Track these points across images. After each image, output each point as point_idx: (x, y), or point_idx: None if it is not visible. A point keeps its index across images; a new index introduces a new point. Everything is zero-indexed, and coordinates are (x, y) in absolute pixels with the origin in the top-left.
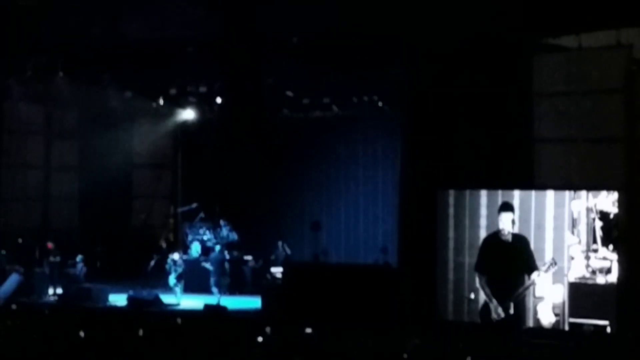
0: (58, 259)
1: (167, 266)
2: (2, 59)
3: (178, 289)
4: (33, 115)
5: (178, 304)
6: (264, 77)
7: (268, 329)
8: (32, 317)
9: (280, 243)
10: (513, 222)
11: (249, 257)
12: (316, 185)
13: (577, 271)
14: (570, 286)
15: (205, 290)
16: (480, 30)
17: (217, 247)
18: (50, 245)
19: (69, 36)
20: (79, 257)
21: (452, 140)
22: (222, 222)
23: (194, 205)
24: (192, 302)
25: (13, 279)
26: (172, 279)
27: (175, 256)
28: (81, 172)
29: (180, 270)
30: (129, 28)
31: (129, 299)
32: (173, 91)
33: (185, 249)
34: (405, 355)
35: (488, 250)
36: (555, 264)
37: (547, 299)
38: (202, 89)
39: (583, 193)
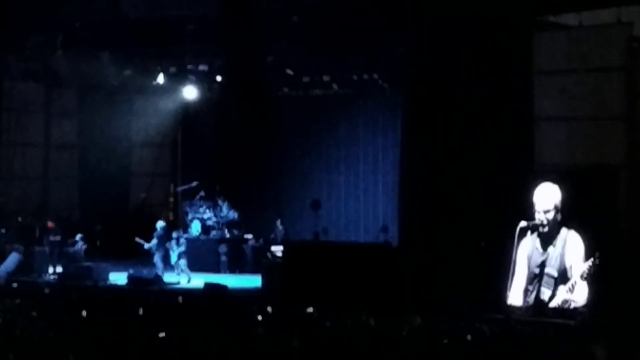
0: (58, 238)
1: (167, 244)
2: (1, 36)
3: (181, 268)
4: (32, 93)
5: (178, 282)
6: (264, 55)
7: (269, 308)
8: (32, 296)
9: (278, 221)
10: None
11: (249, 236)
12: (316, 164)
13: None
14: None
15: (209, 268)
16: (481, 8)
17: (160, 224)
18: (50, 224)
19: (69, 14)
20: (78, 236)
21: (452, 119)
22: (221, 201)
23: (194, 183)
24: (194, 280)
25: (13, 258)
26: (174, 257)
27: (178, 233)
28: (81, 150)
29: (183, 248)
30: (129, 5)
31: (129, 277)
32: (173, 69)
33: (185, 227)
34: (405, 334)
35: None
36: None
37: None
38: (202, 67)
39: None
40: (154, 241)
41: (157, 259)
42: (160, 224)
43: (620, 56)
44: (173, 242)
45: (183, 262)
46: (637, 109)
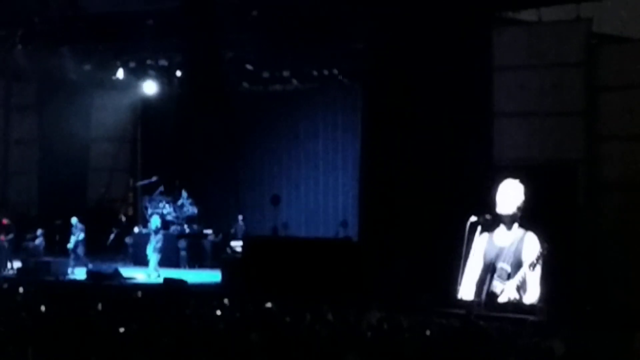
0: (11, 236)
1: (126, 239)
2: None
3: (153, 261)
4: None
5: (158, 276)
6: (223, 50)
7: (226, 300)
8: None
9: (240, 217)
10: None
11: (208, 231)
12: (276, 159)
13: None
14: None
15: (168, 263)
16: (441, 3)
17: (73, 219)
18: (5, 221)
19: (28, 9)
20: (39, 231)
21: (412, 114)
22: (183, 195)
23: (154, 178)
24: (154, 275)
25: None
26: (149, 248)
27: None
28: (40, 145)
29: (160, 243)
30: (88, 0)
31: (88, 272)
32: (132, 64)
33: (144, 222)
34: (365, 329)
35: None
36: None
37: None
38: (162, 62)
39: None
40: (82, 236)
41: (80, 253)
42: (73, 219)
43: (579, 52)
44: (152, 235)
45: (157, 256)
46: (596, 105)
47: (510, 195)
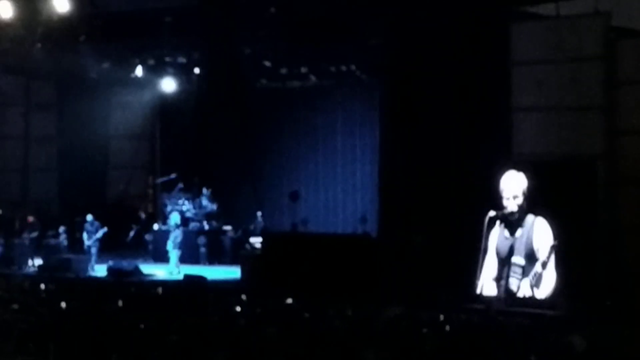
0: (35, 234)
1: (146, 236)
2: None
3: (174, 258)
4: (11, 86)
5: (179, 272)
6: (242, 47)
7: (244, 296)
8: (12, 288)
9: (259, 213)
10: None
11: (228, 227)
12: (295, 155)
13: None
14: None
15: (188, 260)
16: None
17: (88, 217)
18: (30, 219)
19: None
20: (61, 228)
21: (430, 109)
22: (203, 192)
23: (173, 175)
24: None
25: None
26: (169, 244)
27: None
28: (60, 142)
29: (180, 240)
30: None
31: (109, 269)
32: (151, 61)
33: (164, 219)
34: (384, 324)
35: None
36: None
37: None
38: (181, 59)
39: None
40: (100, 233)
41: (94, 252)
42: (89, 217)
43: (597, 46)
44: (171, 232)
45: (177, 252)
46: (615, 99)
47: (513, 187)
